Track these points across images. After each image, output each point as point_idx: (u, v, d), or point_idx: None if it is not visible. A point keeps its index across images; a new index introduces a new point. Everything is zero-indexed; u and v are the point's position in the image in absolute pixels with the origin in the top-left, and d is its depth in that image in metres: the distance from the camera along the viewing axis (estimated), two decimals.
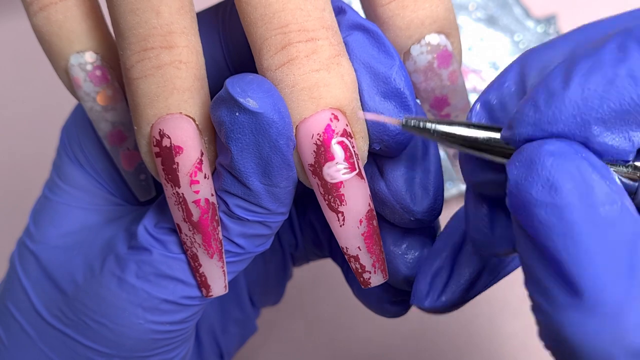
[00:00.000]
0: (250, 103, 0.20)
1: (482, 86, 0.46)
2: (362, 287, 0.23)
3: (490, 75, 0.46)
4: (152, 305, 0.23)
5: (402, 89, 0.21)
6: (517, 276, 0.45)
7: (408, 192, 0.23)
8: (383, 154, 0.22)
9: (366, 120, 0.21)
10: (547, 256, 0.17)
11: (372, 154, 0.23)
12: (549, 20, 0.47)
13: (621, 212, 0.17)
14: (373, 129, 0.21)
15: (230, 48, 0.23)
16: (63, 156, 0.26)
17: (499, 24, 0.47)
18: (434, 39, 0.22)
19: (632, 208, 0.17)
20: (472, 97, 0.46)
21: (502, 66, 0.46)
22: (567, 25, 0.48)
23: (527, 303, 0.46)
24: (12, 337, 0.25)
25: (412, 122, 0.19)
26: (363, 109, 0.21)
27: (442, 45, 0.22)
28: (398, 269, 0.24)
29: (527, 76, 0.19)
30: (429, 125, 0.19)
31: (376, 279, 0.23)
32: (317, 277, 0.44)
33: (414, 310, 0.43)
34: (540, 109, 0.18)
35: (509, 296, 0.44)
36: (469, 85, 0.46)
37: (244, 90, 0.20)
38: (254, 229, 0.22)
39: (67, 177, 0.25)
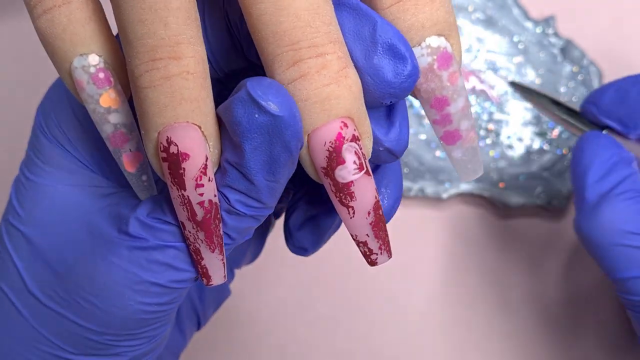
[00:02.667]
0: (271, 106, 0.21)
1: (480, 87, 0.46)
2: (370, 266, 0.25)
3: (489, 76, 0.46)
4: (142, 288, 0.24)
5: (390, 41, 0.22)
6: (517, 278, 0.45)
7: (376, 124, 0.24)
8: (391, 104, 0.23)
9: (371, 78, 0.22)
10: (574, 183, 0.35)
11: None
12: (548, 21, 0.47)
13: (611, 155, 0.34)
14: (376, 87, 0.22)
15: (212, 44, 0.24)
16: (40, 136, 0.26)
17: (497, 25, 0.47)
18: (434, 41, 0.23)
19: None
20: (471, 98, 0.46)
21: (501, 67, 0.46)
22: (565, 26, 0.48)
23: (525, 303, 0.46)
24: (5, 316, 0.26)
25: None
26: (360, 75, 0.22)
27: (442, 47, 0.23)
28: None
29: None
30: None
31: (382, 259, 0.25)
32: (316, 277, 0.44)
33: (413, 310, 0.43)
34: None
35: (508, 296, 0.44)
36: (468, 86, 0.46)
37: (265, 94, 0.21)
38: (247, 222, 0.24)
39: (46, 157, 0.26)
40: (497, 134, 0.45)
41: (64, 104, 0.26)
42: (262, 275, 0.44)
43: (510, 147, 0.45)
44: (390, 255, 0.25)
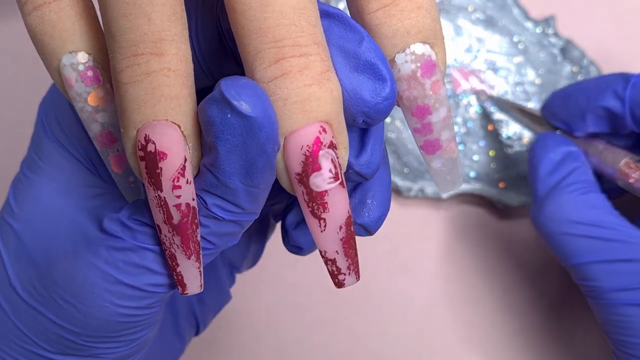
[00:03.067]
0: (244, 106, 0.20)
1: (480, 87, 0.46)
2: (336, 287, 0.24)
3: (489, 77, 0.46)
4: (119, 290, 0.24)
5: (372, 60, 0.22)
6: (517, 278, 0.45)
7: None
8: (366, 126, 0.23)
9: (347, 93, 0.22)
10: (529, 178, 0.38)
11: None
12: (548, 21, 0.47)
13: (558, 147, 0.38)
14: (351, 103, 0.22)
15: (202, 44, 0.24)
16: (42, 135, 0.26)
17: (497, 25, 0.47)
18: (418, 48, 0.23)
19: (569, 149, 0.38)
20: (471, 98, 0.46)
21: (501, 67, 0.46)
22: (565, 26, 0.48)
23: (525, 303, 0.46)
24: None
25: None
26: (341, 88, 0.22)
27: (426, 54, 0.23)
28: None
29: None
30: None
31: (350, 280, 0.24)
32: (315, 278, 0.44)
33: (413, 311, 0.43)
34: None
35: (509, 296, 0.44)
36: (467, 86, 0.46)
37: (238, 94, 0.20)
38: (227, 227, 0.23)
39: (45, 155, 0.26)
40: (497, 134, 0.45)
41: (64, 100, 0.26)
42: (262, 276, 0.44)
43: (510, 147, 0.45)
44: (358, 277, 0.24)
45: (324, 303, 0.44)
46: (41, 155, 0.26)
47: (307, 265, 0.44)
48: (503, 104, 0.45)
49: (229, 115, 0.21)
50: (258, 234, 0.33)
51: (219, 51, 0.24)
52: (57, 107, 0.26)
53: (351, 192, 0.26)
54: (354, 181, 0.25)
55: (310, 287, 0.44)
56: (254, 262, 0.34)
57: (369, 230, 0.26)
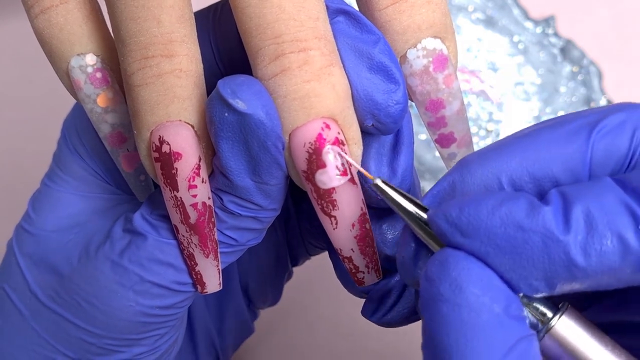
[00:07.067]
0: (239, 104, 0.20)
1: (480, 87, 0.46)
2: (357, 285, 0.24)
3: (489, 76, 0.46)
4: (143, 289, 0.24)
5: (385, 63, 0.22)
6: None
7: (376, 171, 0.23)
8: (375, 132, 0.23)
9: (357, 93, 0.22)
10: (439, 349, 0.19)
11: None
12: (548, 21, 0.47)
13: (515, 322, 0.19)
14: (361, 103, 0.22)
15: (221, 49, 0.24)
16: (63, 148, 0.26)
17: (497, 25, 0.47)
18: (430, 43, 0.23)
19: (522, 322, 0.19)
20: (471, 98, 0.46)
21: (501, 67, 0.46)
22: (565, 26, 0.48)
23: None
24: (6, 317, 0.26)
25: (380, 184, 0.21)
26: (352, 87, 0.22)
27: (438, 49, 0.23)
28: (378, 247, 0.25)
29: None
30: (390, 191, 0.21)
31: (370, 279, 0.24)
32: (316, 277, 0.44)
33: None
34: (461, 217, 0.19)
35: None
36: (467, 86, 0.46)
37: (234, 91, 0.20)
38: (246, 223, 0.23)
39: (66, 167, 0.26)
40: (497, 134, 0.45)
41: (87, 117, 0.26)
42: None
43: None
44: (379, 275, 0.24)
45: (325, 302, 0.44)
46: (61, 166, 0.26)
47: (308, 264, 0.44)
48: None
49: (226, 114, 0.21)
50: (274, 277, 0.32)
51: (240, 56, 0.23)
52: (77, 122, 0.26)
53: (378, 219, 0.25)
54: (384, 208, 0.24)
55: (311, 286, 0.44)
56: (272, 302, 0.33)
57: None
